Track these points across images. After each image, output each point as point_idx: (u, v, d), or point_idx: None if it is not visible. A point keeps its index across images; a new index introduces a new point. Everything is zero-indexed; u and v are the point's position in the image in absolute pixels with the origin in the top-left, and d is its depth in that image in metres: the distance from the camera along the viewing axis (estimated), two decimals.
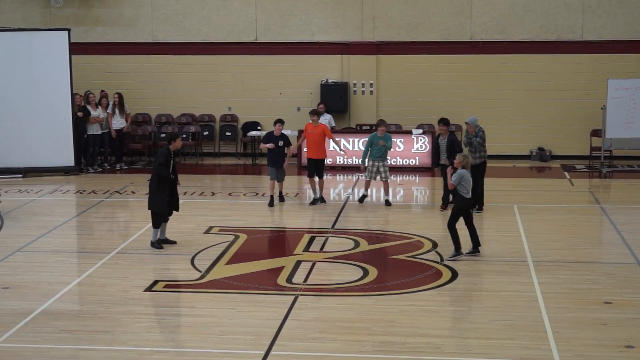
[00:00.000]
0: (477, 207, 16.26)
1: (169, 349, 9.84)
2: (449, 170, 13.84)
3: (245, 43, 23.41)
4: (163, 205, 13.75)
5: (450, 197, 15.04)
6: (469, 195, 13.21)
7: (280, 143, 16.75)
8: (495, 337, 10.03)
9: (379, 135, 16.90)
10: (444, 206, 16.53)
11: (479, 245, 13.34)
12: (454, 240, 13.20)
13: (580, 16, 22.40)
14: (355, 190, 18.05)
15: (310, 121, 17.21)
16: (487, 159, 16.36)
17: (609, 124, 20.75)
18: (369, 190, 17.46)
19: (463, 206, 13.19)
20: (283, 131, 17.08)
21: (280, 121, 16.89)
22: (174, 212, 14.11)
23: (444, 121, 16.56)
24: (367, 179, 17.15)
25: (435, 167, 16.80)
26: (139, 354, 9.62)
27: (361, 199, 17.18)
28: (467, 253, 13.30)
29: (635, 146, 21.12)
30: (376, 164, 16.95)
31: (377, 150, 16.91)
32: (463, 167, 13.15)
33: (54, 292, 11.71)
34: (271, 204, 16.87)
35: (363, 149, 17.74)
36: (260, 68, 23.42)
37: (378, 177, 17.06)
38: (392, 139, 17.58)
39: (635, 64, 22.18)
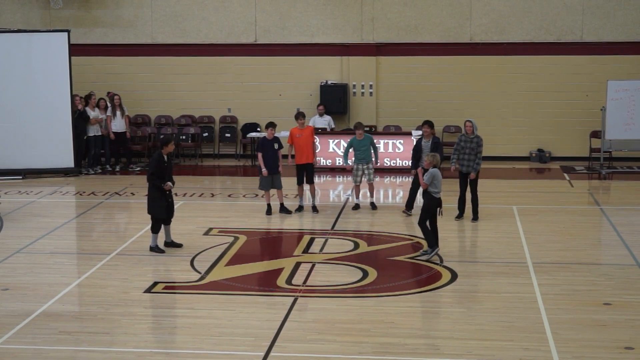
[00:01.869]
0: (472, 217, 16.05)
1: (168, 351, 9.84)
2: (419, 170, 13.81)
3: (245, 44, 23.42)
4: (162, 210, 13.74)
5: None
6: (439, 195, 13.24)
7: (276, 146, 16.45)
8: (495, 338, 10.03)
9: (358, 139, 16.71)
10: (407, 211, 16.45)
11: (437, 246, 13.41)
12: (426, 237, 13.29)
13: (579, 17, 22.41)
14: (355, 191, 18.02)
15: (297, 125, 16.69)
16: (474, 170, 15.88)
17: (609, 125, 20.76)
18: (359, 195, 17.23)
19: (432, 205, 13.22)
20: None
21: (272, 125, 16.43)
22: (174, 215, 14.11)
23: (429, 123, 16.24)
24: (355, 184, 16.95)
25: (412, 169, 16.50)
26: (139, 355, 9.62)
27: (355, 207, 16.97)
28: (423, 251, 13.41)
29: (634, 147, 21.13)
30: (360, 166, 16.73)
31: (360, 153, 16.66)
32: (434, 166, 13.18)
33: (54, 294, 11.71)
34: (269, 212, 16.56)
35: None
36: (259, 69, 23.42)
37: (364, 180, 16.90)
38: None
39: (634, 65, 22.19)
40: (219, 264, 13.17)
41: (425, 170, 13.38)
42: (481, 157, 15.86)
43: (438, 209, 13.29)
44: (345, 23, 23.02)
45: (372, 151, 16.79)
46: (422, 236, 14.78)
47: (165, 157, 13.77)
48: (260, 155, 16.36)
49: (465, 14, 22.70)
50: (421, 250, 13.55)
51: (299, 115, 16.81)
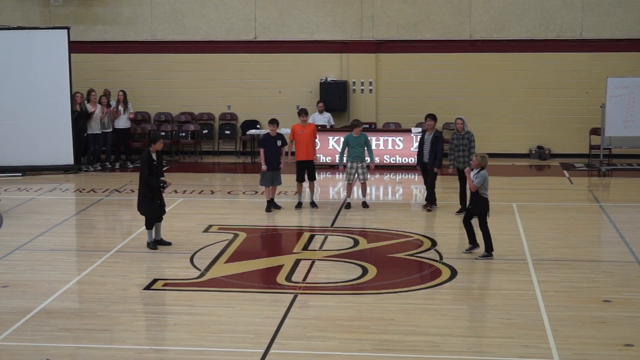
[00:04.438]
0: (459, 210, 16.08)
1: (168, 348, 9.85)
2: (467, 170, 13.69)
3: (245, 41, 23.40)
4: (151, 209, 13.72)
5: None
6: (487, 195, 13.23)
7: (279, 143, 16.49)
8: (495, 335, 10.03)
9: (354, 136, 16.66)
10: (429, 205, 16.49)
11: (477, 245, 13.40)
12: (485, 241, 13.19)
13: (579, 14, 22.39)
14: (355, 189, 18.04)
15: (300, 122, 16.74)
16: (469, 165, 16.09)
17: (608, 122, 20.74)
18: (351, 194, 17.21)
19: (484, 206, 13.17)
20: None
21: (274, 122, 16.41)
22: (166, 213, 14.09)
23: (432, 116, 16.40)
24: (348, 182, 16.87)
25: (417, 165, 16.66)
26: (138, 352, 9.62)
27: (347, 206, 16.91)
28: (466, 250, 13.38)
29: (634, 144, 21.10)
30: (355, 165, 16.64)
31: (355, 150, 16.58)
32: (482, 167, 13.12)
33: (53, 291, 11.71)
34: (269, 209, 16.58)
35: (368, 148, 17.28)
36: (259, 66, 23.41)
37: (356, 178, 16.79)
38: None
39: (634, 63, 22.18)
40: (219, 261, 13.17)
41: (471, 169, 13.29)
42: (474, 152, 15.93)
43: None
44: (345, 20, 23.01)
45: (368, 151, 16.70)
46: (421, 233, 14.82)
47: (154, 155, 13.72)
48: (262, 151, 16.36)
49: (465, 11, 22.68)
50: (477, 256, 13.32)
51: (302, 112, 16.83)
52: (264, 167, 16.29)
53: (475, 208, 13.26)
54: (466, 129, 16.01)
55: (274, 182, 16.50)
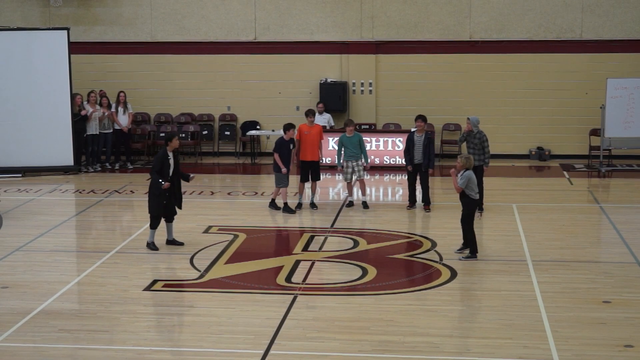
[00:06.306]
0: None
1: (168, 349, 9.85)
2: (452, 172, 13.67)
3: (244, 42, 23.41)
4: (158, 207, 13.72)
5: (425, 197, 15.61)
6: (477, 196, 13.21)
7: (291, 146, 16.53)
8: (494, 336, 10.03)
9: (348, 136, 16.75)
10: (427, 207, 16.54)
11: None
12: (471, 243, 13.19)
13: (579, 15, 22.40)
14: (355, 189, 18.05)
15: (307, 122, 16.86)
16: (485, 164, 16.16)
17: (608, 123, 20.75)
18: (353, 192, 17.36)
19: (473, 207, 13.17)
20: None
21: (292, 126, 16.49)
22: (177, 210, 14.09)
23: (422, 117, 16.44)
24: (346, 181, 17.00)
25: (407, 164, 16.68)
26: (138, 353, 9.62)
27: (349, 204, 17.03)
28: (458, 250, 13.39)
29: (634, 145, 21.11)
30: (350, 163, 16.74)
31: (350, 150, 16.69)
32: (467, 168, 13.11)
33: (53, 292, 11.71)
34: (291, 210, 16.49)
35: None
36: (259, 67, 23.41)
37: (354, 177, 16.91)
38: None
39: (634, 63, 22.18)
40: (219, 262, 13.17)
41: (457, 172, 13.28)
42: (489, 151, 16.00)
43: (477, 212, 13.34)
44: (345, 21, 23.01)
45: (361, 151, 16.76)
46: (421, 234, 14.81)
47: (170, 154, 13.76)
48: (277, 155, 16.39)
49: (465, 12, 22.68)
50: (461, 257, 13.29)
51: (309, 113, 16.92)
52: (283, 169, 16.32)
53: (465, 209, 13.23)
54: (475, 130, 16.06)
55: (286, 183, 16.60)
